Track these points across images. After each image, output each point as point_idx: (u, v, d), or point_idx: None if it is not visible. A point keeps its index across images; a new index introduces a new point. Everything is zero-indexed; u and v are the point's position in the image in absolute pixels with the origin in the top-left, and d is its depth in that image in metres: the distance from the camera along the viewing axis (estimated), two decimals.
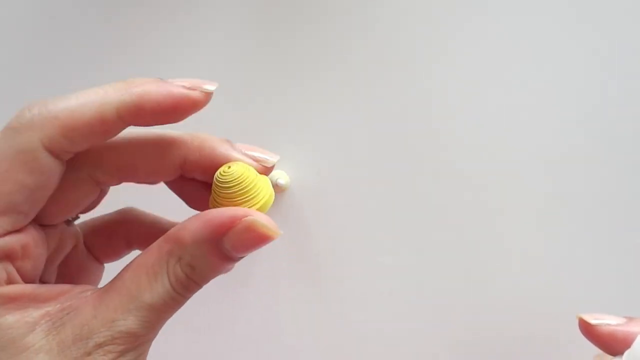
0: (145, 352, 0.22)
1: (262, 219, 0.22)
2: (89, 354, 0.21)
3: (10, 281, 0.21)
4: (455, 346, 0.33)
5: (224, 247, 0.22)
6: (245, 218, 0.22)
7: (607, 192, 0.32)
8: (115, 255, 0.27)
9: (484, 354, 0.33)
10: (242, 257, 0.23)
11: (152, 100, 0.22)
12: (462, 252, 0.33)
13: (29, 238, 0.22)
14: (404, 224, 0.34)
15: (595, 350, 0.23)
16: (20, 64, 0.38)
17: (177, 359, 0.36)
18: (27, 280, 0.22)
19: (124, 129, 0.22)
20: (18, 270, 0.22)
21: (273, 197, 0.24)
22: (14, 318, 0.21)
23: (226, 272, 0.23)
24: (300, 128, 0.35)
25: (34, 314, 0.21)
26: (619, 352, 0.21)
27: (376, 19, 0.35)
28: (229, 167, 0.23)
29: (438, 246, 0.33)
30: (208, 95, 0.23)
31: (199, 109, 0.23)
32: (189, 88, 0.23)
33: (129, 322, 0.21)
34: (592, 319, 0.23)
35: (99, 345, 0.21)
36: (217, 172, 0.23)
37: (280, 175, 0.34)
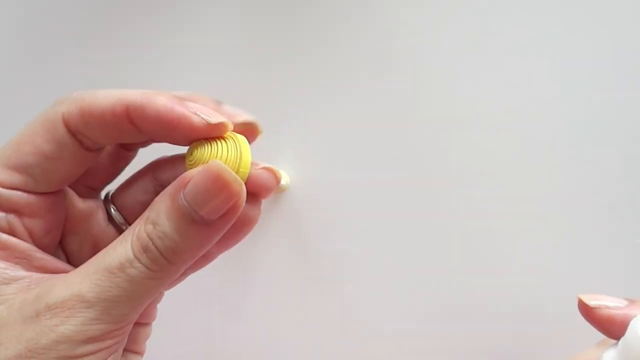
0: (100, 331, 0.21)
1: (221, 165, 0.21)
2: (37, 314, 0.21)
3: (10, 232, 0.22)
4: (456, 346, 0.33)
5: (184, 204, 0.21)
6: (203, 165, 0.21)
7: (609, 193, 0.32)
8: None
9: (485, 354, 0.33)
10: (212, 222, 0.21)
11: (155, 108, 0.22)
12: (463, 253, 0.33)
13: (38, 200, 0.23)
14: (405, 224, 0.34)
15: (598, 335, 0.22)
16: (19, 64, 0.38)
17: (177, 359, 0.36)
18: (38, 243, 0.23)
19: (134, 131, 0.22)
20: (28, 229, 0.23)
21: (248, 165, 0.23)
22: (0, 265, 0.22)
23: (200, 249, 0.22)
24: (301, 128, 0.35)
25: (18, 271, 0.22)
26: (618, 336, 0.20)
27: (377, 19, 0.35)
28: (191, 154, 0.22)
29: (439, 246, 0.33)
30: (209, 125, 0.22)
31: (199, 135, 0.22)
32: (194, 112, 0.22)
33: (82, 285, 0.21)
34: (591, 301, 0.22)
35: (48, 307, 0.21)
36: (185, 162, 0.23)
37: (280, 175, 0.34)
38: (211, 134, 0.22)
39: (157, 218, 0.21)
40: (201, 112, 0.22)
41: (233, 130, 0.23)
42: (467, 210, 0.33)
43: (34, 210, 0.23)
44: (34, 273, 0.23)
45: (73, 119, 0.22)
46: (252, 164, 0.23)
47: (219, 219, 0.21)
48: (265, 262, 0.35)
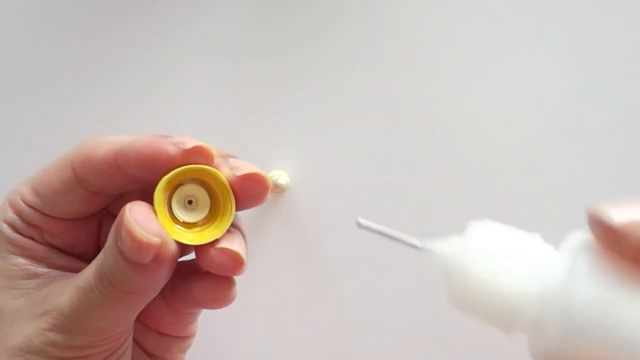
0: (80, 340, 0.22)
1: (137, 216, 0.21)
2: (40, 315, 0.23)
3: (30, 238, 0.25)
4: (456, 346, 0.33)
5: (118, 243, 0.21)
6: (124, 215, 0.21)
7: (609, 193, 0.32)
8: None
9: (485, 354, 0.33)
10: (145, 265, 0.21)
11: (135, 147, 0.22)
12: None
13: (56, 222, 0.25)
14: (405, 224, 0.34)
15: None
16: (18, 64, 0.38)
17: None
18: (59, 249, 0.25)
19: (125, 178, 0.23)
20: (47, 242, 0.25)
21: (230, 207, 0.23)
22: (23, 262, 0.24)
23: (146, 286, 0.22)
24: (301, 128, 0.35)
25: (40, 267, 0.24)
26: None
27: (377, 20, 0.35)
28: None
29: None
30: (184, 151, 0.22)
31: (174, 165, 0.22)
32: (173, 143, 0.23)
33: (63, 298, 0.23)
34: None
35: (47, 312, 0.23)
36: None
37: (280, 175, 0.34)
38: (190, 160, 0.22)
39: (106, 250, 0.22)
40: (178, 141, 0.22)
41: (246, 188, 0.23)
42: (467, 209, 0.33)
43: (51, 230, 0.25)
44: (54, 270, 0.25)
45: (78, 166, 0.23)
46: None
47: (152, 263, 0.21)
48: (265, 262, 0.35)
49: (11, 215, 0.24)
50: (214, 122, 0.36)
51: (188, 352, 0.31)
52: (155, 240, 0.21)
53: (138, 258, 0.21)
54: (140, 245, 0.21)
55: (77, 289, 0.22)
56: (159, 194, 0.22)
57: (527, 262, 0.18)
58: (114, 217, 0.25)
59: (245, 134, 0.35)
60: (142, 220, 0.21)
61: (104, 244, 0.25)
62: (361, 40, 0.35)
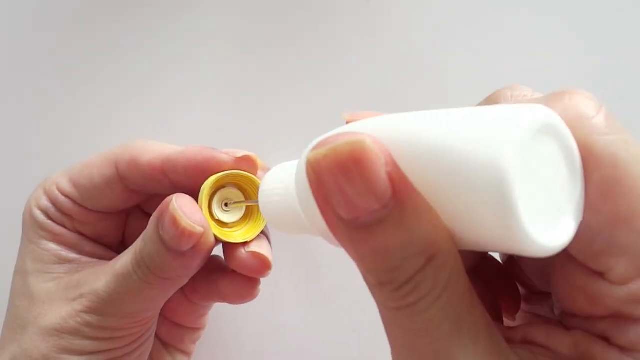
0: (115, 322, 0.24)
1: (184, 207, 0.23)
2: (74, 299, 0.24)
3: (63, 225, 0.26)
4: None
5: (161, 232, 0.23)
6: (170, 205, 0.23)
7: None
8: None
9: None
10: (184, 252, 0.23)
11: (185, 156, 0.25)
12: None
13: (88, 213, 0.26)
14: None
15: None
16: (17, 63, 0.38)
17: None
18: (89, 238, 0.27)
19: (167, 184, 0.25)
20: (78, 231, 0.26)
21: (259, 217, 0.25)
22: (55, 247, 0.26)
23: (185, 271, 0.24)
24: (301, 128, 0.35)
25: (71, 253, 0.26)
26: None
27: (377, 19, 0.35)
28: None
29: None
30: (235, 159, 0.25)
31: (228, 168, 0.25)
32: (224, 152, 0.25)
33: (99, 283, 0.24)
34: None
35: (81, 295, 0.24)
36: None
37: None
38: (240, 167, 0.25)
39: (146, 238, 0.23)
40: (229, 151, 0.25)
41: None
42: None
43: (83, 220, 0.26)
44: (84, 257, 0.26)
45: (122, 165, 0.25)
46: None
47: (191, 251, 0.23)
48: None
49: (45, 203, 0.26)
50: (213, 122, 0.36)
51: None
52: (198, 229, 0.22)
53: (179, 245, 0.22)
54: (183, 233, 0.22)
55: (114, 275, 0.24)
56: (206, 190, 0.24)
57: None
58: (143, 212, 0.28)
59: (245, 134, 0.36)
60: (188, 211, 0.23)
61: (130, 235, 0.28)
62: (362, 41, 0.35)
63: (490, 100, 0.19)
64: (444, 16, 0.34)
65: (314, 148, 0.15)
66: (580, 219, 0.15)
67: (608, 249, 0.15)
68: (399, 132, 0.16)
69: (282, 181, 0.20)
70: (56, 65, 0.37)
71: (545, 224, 0.14)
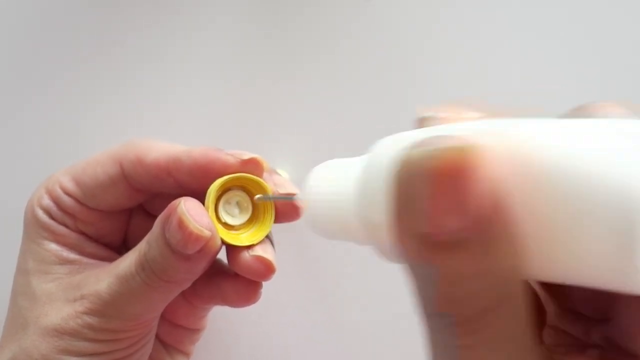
0: (116, 324, 0.24)
1: (191, 211, 0.22)
2: (75, 299, 0.24)
3: (65, 225, 0.26)
4: None
5: (167, 235, 0.23)
6: (177, 208, 0.22)
7: None
8: None
9: None
10: (190, 256, 0.22)
11: (191, 156, 0.24)
12: None
13: (90, 212, 0.26)
14: None
15: None
16: (16, 63, 0.38)
17: None
18: (90, 238, 0.27)
19: (171, 183, 0.25)
20: (80, 230, 0.26)
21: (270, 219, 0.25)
22: (56, 247, 0.26)
23: (189, 275, 0.23)
24: (301, 127, 0.35)
25: (72, 254, 0.26)
26: None
27: (376, 17, 0.35)
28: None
29: None
30: (241, 162, 0.24)
31: (228, 173, 0.24)
32: (230, 154, 0.25)
33: (102, 284, 0.24)
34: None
35: (82, 296, 0.24)
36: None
37: (281, 175, 0.34)
38: (244, 170, 0.24)
39: (151, 241, 0.23)
40: (235, 153, 0.24)
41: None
42: None
43: (85, 219, 0.26)
44: (85, 258, 0.26)
45: (127, 163, 0.25)
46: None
47: (197, 254, 0.23)
48: None
49: (47, 202, 0.26)
50: (213, 122, 0.36)
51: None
52: (206, 233, 0.22)
53: (185, 249, 0.22)
54: (190, 237, 0.22)
55: (116, 277, 0.24)
56: (212, 193, 0.24)
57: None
58: (145, 212, 0.27)
59: (245, 133, 0.36)
60: (195, 214, 0.22)
61: (132, 236, 0.27)
62: (363, 42, 0.35)
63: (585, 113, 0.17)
64: (444, 16, 0.34)
65: (414, 147, 0.13)
66: None
67: None
68: (512, 142, 0.14)
69: (336, 178, 0.20)
70: (56, 65, 0.37)
71: None
